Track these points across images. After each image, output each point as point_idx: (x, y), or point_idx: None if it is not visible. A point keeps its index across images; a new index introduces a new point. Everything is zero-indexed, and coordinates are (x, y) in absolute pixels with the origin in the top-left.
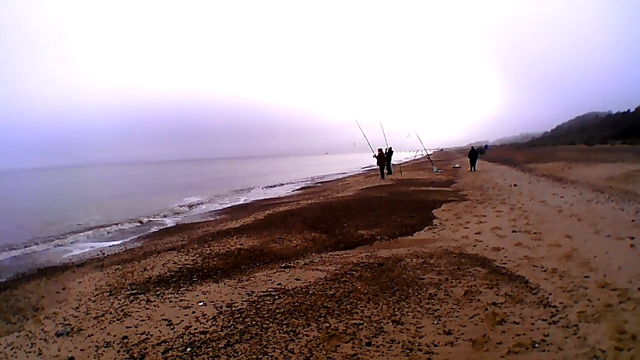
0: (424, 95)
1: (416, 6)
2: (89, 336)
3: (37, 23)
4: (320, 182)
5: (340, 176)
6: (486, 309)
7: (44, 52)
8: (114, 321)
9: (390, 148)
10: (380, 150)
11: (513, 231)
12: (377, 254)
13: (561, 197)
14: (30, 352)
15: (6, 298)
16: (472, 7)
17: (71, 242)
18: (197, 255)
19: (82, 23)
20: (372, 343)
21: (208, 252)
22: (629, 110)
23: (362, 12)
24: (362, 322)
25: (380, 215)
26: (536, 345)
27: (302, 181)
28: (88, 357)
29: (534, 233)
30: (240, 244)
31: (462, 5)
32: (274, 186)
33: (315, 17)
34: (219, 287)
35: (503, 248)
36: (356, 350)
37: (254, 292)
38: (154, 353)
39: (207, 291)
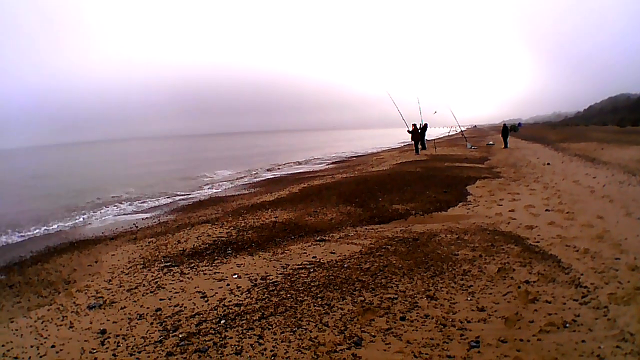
0: (458, 72)
1: None
2: (121, 308)
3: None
4: (354, 157)
5: (374, 151)
6: (519, 287)
7: (63, 28)
8: (147, 293)
9: (426, 124)
10: (414, 125)
11: (546, 210)
12: (412, 228)
13: (593, 177)
14: (61, 325)
15: (37, 272)
16: None
17: (104, 216)
18: (232, 228)
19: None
20: (406, 318)
21: (242, 224)
22: None
23: None
24: (396, 296)
25: (415, 190)
26: (567, 325)
27: (336, 155)
28: (120, 329)
29: (567, 212)
30: (275, 217)
31: None
32: (308, 160)
33: None
34: (253, 259)
35: (536, 226)
36: (390, 325)
37: (288, 265)
38: (188, 325)
39: (241, 264)
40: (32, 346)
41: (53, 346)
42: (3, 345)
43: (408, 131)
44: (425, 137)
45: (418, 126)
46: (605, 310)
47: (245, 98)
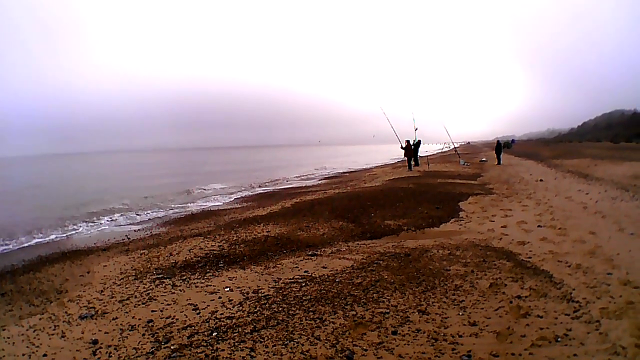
0: (452, 88)
1: (447, 2)
2: (113, 319)
3: (54, 9)
4: (347, 172)
5: (367, 167)
6: (511, 302)
7: (62, 40)
8: (139, 305)
9: (419, 140)
10: (407, 141)
11: (538, 226)
12: (404, 244)
13: (586, 193)
14: (53, 334)
15: (29, 281)
16: (499, 3)
17: (96, 227)
18: (224, 241)
19: (103, 8)
20: (398, 332)
21: (234, 238)
22: None
23: (393, 2)
24: (388, 311)
25: (407, 206)
26: (559, 339)
27: (329, 170)
28: (112, 340)
29: (559, 228)
30: (267, 231)
31: (490, 2)
32: (301, 175)
33: (346, 5)
34: (245, 273)
35: (528, 242)
36: (382, 339)
37: (280, 279)
38: (180, 337)
39: (233, 277)
40: (24, 354)
41: (45, 355)
42: None
43: (401, 147)
44: (419, 154)
45: (411, 142)
46: (597, 324)
47: (242, 112)
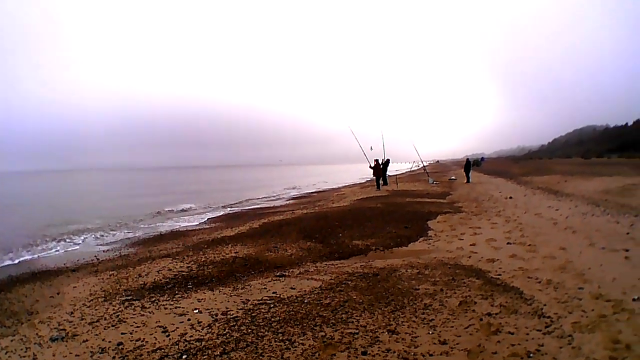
0: (420, 106)
1: (415, 18)
2: (83, 342)
3: (34, 23)
4: (315, 192)
5: (335, 186)
6: (481, 319)
7: (40, 54)
8: (108, 327)
9: (388, 159)
10: (376, 161)
11: (508, 243)
12: (372, 264)
13: (556, 209)
14: (24, 356)
15: (1, 301)
16: (472, 21)
17: (65, 247)
18: (192, 262)
19: (81, 24)
20: (368, 352)
21: (203, 259)
22: (627, 124)
23: (361, 20)
24: (357, 331)
25: (376, 225)
26: (531, 355)
27: (297, 191)
28: None
29: (529, 245)
30: (236, 252)
31: (462, 19)
32: (269, 195)
33: (317, 25)
34: (214, 294)
35: (498, 259)
36: None
37: (249, 300)
38: None
39: (202, 298)
40: None
41: None
42: None
43: (370, 167)
44: (387, 173)
45: (380, 161)
46: (570, 338)
47: (209, 132)
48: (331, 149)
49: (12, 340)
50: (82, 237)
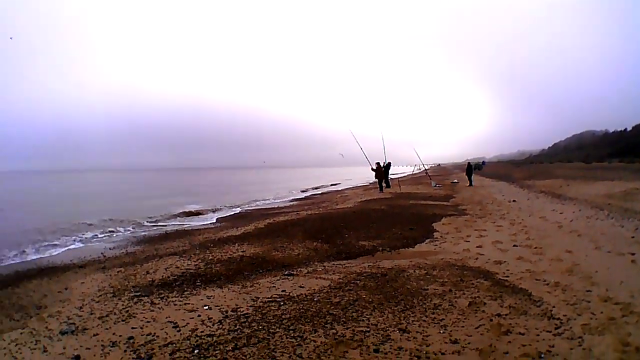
0: (421, 109)
1: (417, 23)
2: (94, 335)
3: (32, 24)
4: (318, 194)
5: (338, 188)
6: (491, 320)
7: (40, 54)
8: (119, 322)
9: (389, 162)
10: (378, 163)
11: (514, 245)
12: (380, 264)
13: (560, 213)
14: (34, 349)
15: (8, 295)
16: (472, 28)
17: (72, 243)
18: (200, 260)
19: (81, 24)
20: (380, 350)
21: (210, 258)
22: (625, 129)
23: (363, 24)
24: (368, 329)
25: (381, 227)
26: (542, 355)
27: (300, 192)
28: (94, 356)
29: (535, 248)
30: (242, 251)
31: (462, 25)
32: (273, 197)
33: (319, 27)
34: (223, 292)
35: (505, 261)
36: (364, 357)
37: (258, 297)
38: (162, 354)
39: (211, 295)
40: None
41: None
42: None
43: (372, 169)
44: (389, 176)
45: (382, 164)
46: (580, 340)
47: (212, 133)
48: (332, 152)
49: (21, 333)
50: (88, 235)
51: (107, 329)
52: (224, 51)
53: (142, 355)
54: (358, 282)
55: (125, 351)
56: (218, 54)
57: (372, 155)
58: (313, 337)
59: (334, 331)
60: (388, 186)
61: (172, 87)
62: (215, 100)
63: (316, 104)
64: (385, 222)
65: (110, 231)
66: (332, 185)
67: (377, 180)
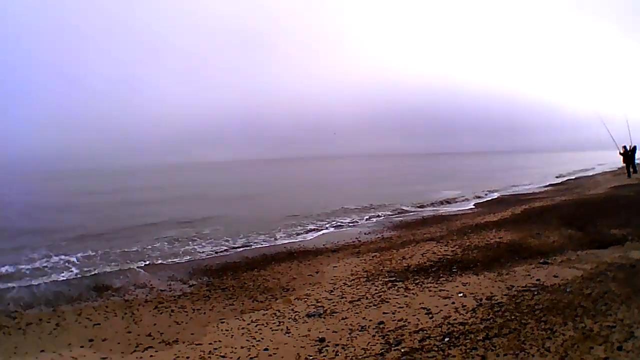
0: None
1: None
2: (343, 319)
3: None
4: (570, 179)
5: (589, 174)
6: None
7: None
8: (370, 306)
9: (635, 146)
10: (624, 147)
11: None
12: (629, 254)
13: None
14: (276, 330)
15: (253, 278)
16: None
17: (325, 229)
18: (457, 246)
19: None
20: (623, 347)
21: (467, 244)
22: None
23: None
24: (615, 324)
25: (630, 214)
26: None
27: (555, 177)
28: (341, 339)
29: None
30: (499, 238)
31: None
32: (529, 182)
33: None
34: (478, 279)
35: None
36: (608, 354)
37: (513, 286)
38: (411, 340)
39: (467, 282)
40: (242, 347)
41: (266, 349)
42: (211, 344)
43: (620, 153)
44: (636, 160)
45: (628, 148)
46: None
47: (461, 117)
48: (580, 135)
49: (264, 314)
50: (345, 220)
51: (357, 313)
52: (481, 34)
53: (391, 341)
54: (608, 273)
55: (373, 336)
56: (475, 37)
57: (618, 138)
58: (562, 330)
59: (582, 325)
60: (635, 171)
61: (429, 69)
62: (471, 83)
63: (565, 85)
64: (633, 210)
65: (367, 217)
66: (582, 170)
67: (624, 165)
